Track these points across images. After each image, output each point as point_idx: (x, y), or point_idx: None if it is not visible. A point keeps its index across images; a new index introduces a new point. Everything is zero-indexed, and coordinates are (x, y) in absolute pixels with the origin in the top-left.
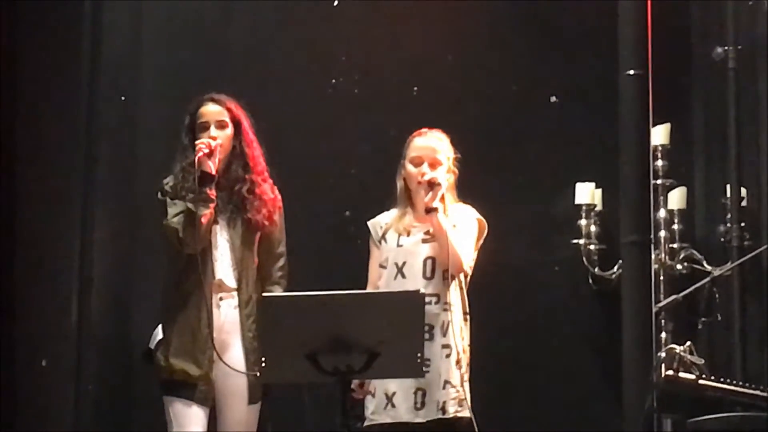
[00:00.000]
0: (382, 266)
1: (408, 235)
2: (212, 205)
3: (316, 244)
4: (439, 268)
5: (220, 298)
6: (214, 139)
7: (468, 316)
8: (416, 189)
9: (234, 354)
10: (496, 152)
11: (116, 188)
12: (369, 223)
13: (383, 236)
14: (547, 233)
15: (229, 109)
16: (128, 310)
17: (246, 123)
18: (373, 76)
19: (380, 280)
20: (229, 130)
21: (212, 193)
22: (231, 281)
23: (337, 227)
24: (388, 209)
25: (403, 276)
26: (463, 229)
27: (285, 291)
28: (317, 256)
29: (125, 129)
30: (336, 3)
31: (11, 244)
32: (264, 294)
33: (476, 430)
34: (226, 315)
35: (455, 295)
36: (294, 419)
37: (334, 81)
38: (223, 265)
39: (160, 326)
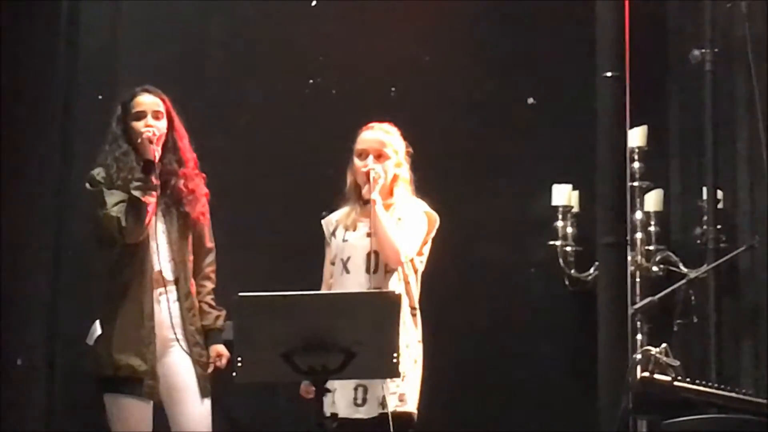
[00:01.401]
0: (332, 263)
1: (354, 229)
2: (155, 193)
3: (292, 245)
4: (383, 262)
5: (159, 293)
6: (151, 126)
7: (417, 311)
8: (362, 182)
9: (176, 349)
10: (473, 153)
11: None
12: (323, 221)
13: (333, 233)
14: (523, 235)
15: (163, 101)
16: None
17: (176, 117)
18: (350, 76)
19: (332, 278)
20: (164, 122)
21: (156, 180)
22: (168, 273)
23: (314, 228)
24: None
25: (347, 271)
26: (408, 222)
27: (214, 286)
28: (294, 256)
29: (101, 127)
30: (314, 3)
31: None
32: (240, 294)
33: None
34: (167, 309)
35: (399, 289)
36: (269, 419)
37: (311, 81)
38: (162, 256)
39: (97, 322)
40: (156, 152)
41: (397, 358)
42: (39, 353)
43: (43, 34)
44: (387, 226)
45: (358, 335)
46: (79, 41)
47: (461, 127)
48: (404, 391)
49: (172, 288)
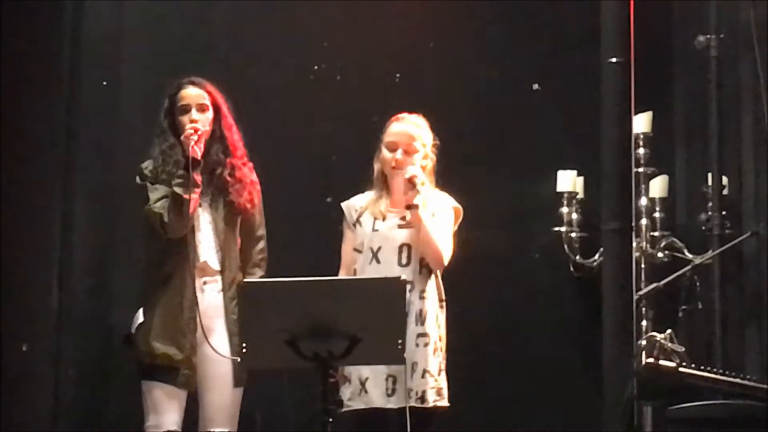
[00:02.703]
0: (357, 250)
1: (383, 219)
2: (197, 190)
3: (297, 230)
4: (415, 256)
5: (204, 282)
6: (196, 122)
7: (444, 303)
8: (390, 174)
9: (218, 338)
10: (478, 139)
11: (97, 173)
12: (343, 205)
13: (358, 219)
14: (528, 221)
15: (209, 93)
16: (108, 295)
17: (225, 107)
18: (355, 63)
19: (356, 264)
20: (210, 114)
21: (198, 178)
22: (215, 263)
23: (319, 213)
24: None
25: (378, 261)
26: (441, 220)
27: (265, 273)
28: (298, 241)
29: (106, 115)
30: None
31: None
32: (244, 280)
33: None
34: (210, 299)
35: (431, 284)
36: (274, 405)
37: (316, 67)
38: (207, 247)
39: (140, 310)
40: (198, 149)
41: (402, 344)
42: (44, 340)
43: (48, 20)
44: (431, 231)
45: (363, 321)
46: (83, 27)
47: (466, 113)
48: (442, 385)
49: (218, 277)
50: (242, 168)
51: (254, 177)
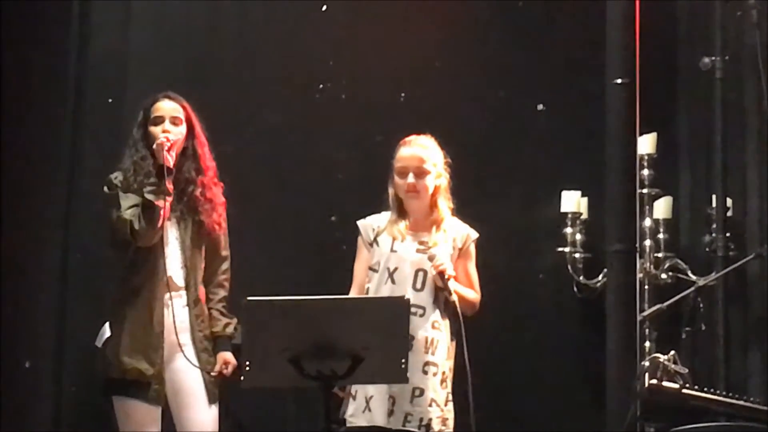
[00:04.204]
0: (372, 269)
1: (402, 240)
2: (169, 199)
3: (301, 249)
4: (431, 283)
5: (169, 298)
6: (168, 132)
7: (455, 337)
8: (406, 198)
9: (186, 353)
10: (482, 159)
11: (100, 189)
12: (360, 223)
13: (375, 239)
14: (532, 241)
15: (184, 108)
16: None
17: (198, 126)
18: (360, 81)
19: (369, 283)
20: (183, 128)
21: (170, 186)
22: (179, 280)
23: (323, 232)
24: (373, 213)
25: (393, 281)
26: (469, 265)
27: (227, 294)
28: (302, 260)
29: (111, 131)
30: (324, 8)
31: None
32: (248, 298)
33: None
34: (176, 314)
35: (447, 313)
36: (277, 422)
37: (321, 86)
38: (173, 262)
39: (106, 324)
40: (170, 158)
41: (405, 363)
42: (47, 357)
43: (54, 37)
44: (466, 296)
45: (366, 340)
46: (89, 45)
47: (470, 134)
48: (448, 416)
49: (182, 293)
50: (213, 188)
51: (222, 198)
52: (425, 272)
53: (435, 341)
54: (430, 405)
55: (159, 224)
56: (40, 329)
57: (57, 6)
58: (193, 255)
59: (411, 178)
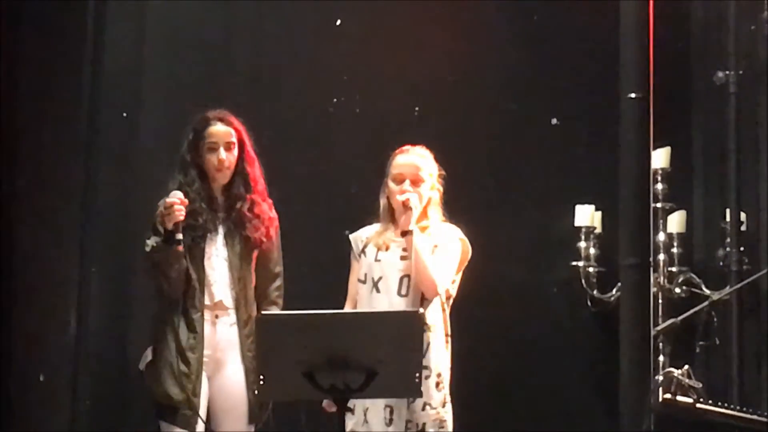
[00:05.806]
0: (360, 281)
1: (387, 249)
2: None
3: (316, 262)
4: (414, 287)
5: (216, 316)
6: (223, 161)
7: (449, 338)
8: (398, 206)
9: (230, 372)
10: (496, 173)
11: (116, 205)
12: (351, 236)
13: (363, 250)
14: (546, 255)
15: (236, 130)
16: (125, 327)
17: (248, 142)
18: (374, 96)
19: (358, 295)
20: (236, 152)
21: (180, 248)
22: (229, 301)
23: (337, 246)
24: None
25: (378, 291)
26: (444, 251)
27: (280, 310)
28: (317, 274)
29: (126, 146)
30: (338, 22)
31: (10, 260)
32: (262, 312)
33: None
34: (222, 333)
35: (437, 317)
36: None
37: (335, 100)
38: (221, 286)
39: (150, 348)
40: (180, 216)
41: (419, 377)
42: (62, 370)
43: (68, 52)
44: (425, 257)
45: (380, 354)
46: (103, 60)
47: (484, 148)
48: (445, 417)
49: (232, 313)
50: (261, 204)
51: (273, 214)
52: (409, 277)
53: (427, 344)
54: (423, 409)
55: (169, 275)
56: (55, 343)
57: (71, 22)
58: (242, 274)
59: (407, 185)
